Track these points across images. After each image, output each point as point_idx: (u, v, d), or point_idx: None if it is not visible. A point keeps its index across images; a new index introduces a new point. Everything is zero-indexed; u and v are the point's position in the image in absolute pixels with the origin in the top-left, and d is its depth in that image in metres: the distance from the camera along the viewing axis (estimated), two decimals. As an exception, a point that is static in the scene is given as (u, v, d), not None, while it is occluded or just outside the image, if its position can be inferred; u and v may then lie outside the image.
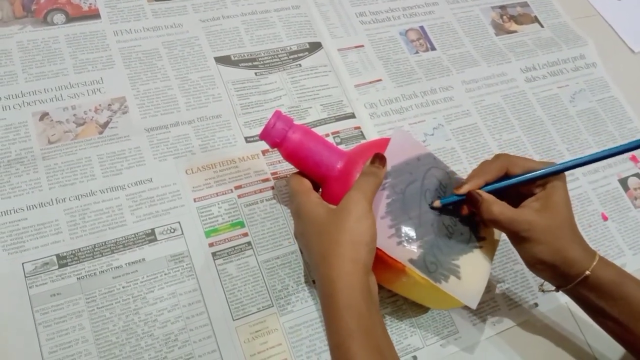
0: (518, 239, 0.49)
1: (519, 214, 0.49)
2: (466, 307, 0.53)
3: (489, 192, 0.51)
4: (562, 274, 0.49)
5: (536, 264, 0.50)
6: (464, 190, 0.51)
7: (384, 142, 0.53)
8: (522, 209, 0.50)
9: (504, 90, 0.78)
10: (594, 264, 0.48)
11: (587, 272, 0.48)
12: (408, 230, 0.49)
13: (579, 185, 0.72)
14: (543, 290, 0.54)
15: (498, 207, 0.49)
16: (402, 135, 0.54)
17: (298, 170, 0.55)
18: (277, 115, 0.52)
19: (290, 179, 0.55)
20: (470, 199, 0.50)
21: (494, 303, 0.61)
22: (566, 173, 0.51)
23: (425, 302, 0.56)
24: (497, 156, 0.52)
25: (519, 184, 0.51)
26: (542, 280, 0.53)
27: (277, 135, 0.52)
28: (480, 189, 0.51)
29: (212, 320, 0.53)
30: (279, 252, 0.58)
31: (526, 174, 0.50)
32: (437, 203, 0.51)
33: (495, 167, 0.51)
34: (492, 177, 0.51)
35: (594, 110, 0.80)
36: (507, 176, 0.51)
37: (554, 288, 0.52)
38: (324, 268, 0.45)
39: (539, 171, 0.50)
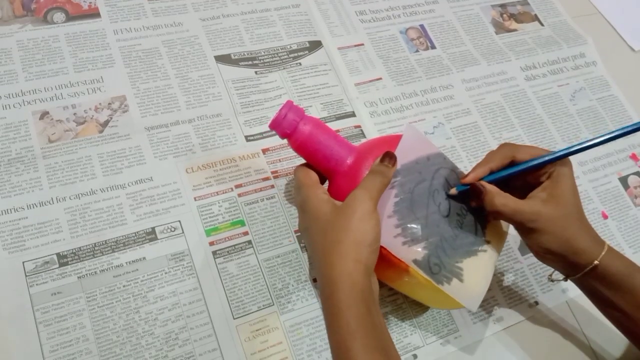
0: (524, 229, 0.49)
1: (524, 204, 0.49)
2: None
3: (495, 180, 0.51)
4: (570, 264, 0.49)
5: (544, 254, 0.50)
6: (468, 179, 0.51)
7: (395, 138, 0.52)
8: (527, 200, 0.50)
9: (504, 88, 0.78)
10: (603, 253, 0.48)
11: (596, 262, 0.48)
12: (414, 231, 0.49)
13: (580, 183, 0.72)
14: (552, 280, 0.54)
15: (500, 199, 0.49)
16: (413, 133, 0.53)
17: (305, 162, 0.54)
18: (289, 105, 0.51)
19: (297, 170, 0.53)
20: (474, 190, 0.50)
21: (494, 301, 0.61)
22: None
23: (426, 301, 0.55)
24: (502, 145, 0.53)
25: (525, 172, 0.51)
26: (550, 272, 0.53)
27: (287, 127, 0.51)
28: (485, 177, 0.51)
29: (212, 318, 0.53)
30: (280, 250, 0.58)
31: (531, 160, 0.50)
32: (454, 190, 0.52)
33: (500, 155, 0.52)
34: (497, 165, 0.51)
35: (594, 109, 0.80)
36: (513, 164, 0.51)
37: (562, 277, 0.52)
38: (326, 267, 0.45)
39: (544, 157, 0.50)
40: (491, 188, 0.50)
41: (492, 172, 0.51)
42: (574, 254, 0.48)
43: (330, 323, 0.44)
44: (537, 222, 0.48)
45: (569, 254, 0.48)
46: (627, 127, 0.49)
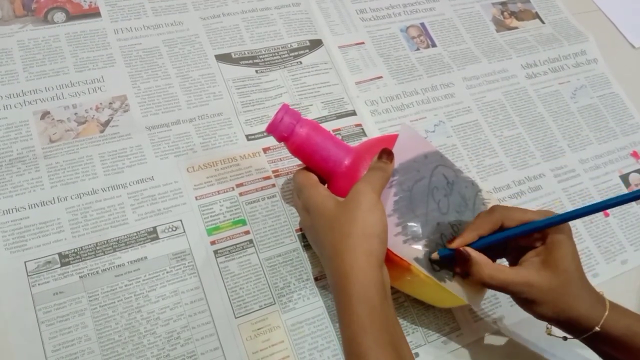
0: (518, 300, 0.47)
1: (516, 275, 0.46)
2: (468, 305, 0.53)
3: (484, 246, 0.48)
4: (570, 328, 0.47)
5: (542, 320, 0.48)
6: (454, 245, 0.48)
7: (392, 138, 0.52)
8: (520, 268, 0.47)
9: (504, 86, 0.78)
10: (605, 315, 0.45)
11: (597, 329, 0.45)
12: (414, 229, 0.49)
13: (580, 181, 0.72)
14: (550, 334, 0.51)
15: (488, 270, 0.46)
16: (409, 132, 0.53)
17: (304, 165, 0.55)
18: (285, 109, 0.52)
19: (296, 174, 0.54)
20: (460, 256, 0.47)
21: (495, 300, 0.61)
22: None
23: (429, 300, 0.56)
24: (493, 208, 0.50)
25: (517, 237, 0.48)
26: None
27: (284, 130, 0.51)
28: (473, 243, 0.48)
29: (214, 318, 0.53)
30: (281, 249, 0.58)
31: (521, 225, 0.47)
32: (435, 255, 0.48)
33: (490, 220, 0.48)
34: (486, 231, 0.48)
35: (595, 107, 0.80)
36: (502, 229, 0.48)
37: (562, 336, 0.50)
38: (337, 261, 0.45)
39: (532, 223, 0.47)
40: (479, 258, 0.47)
41: (480, 238, 0.48)
42: (572, 322, 0.46)
43: (342, 317, 0.44)
44: (530, 293, 0.46)
45: (568, 321, 0.46)
46: (622, 196, 0.45)
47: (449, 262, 0.49)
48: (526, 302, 0.47)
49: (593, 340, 0.47)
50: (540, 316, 0.47)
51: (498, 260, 0.50)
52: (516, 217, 0.48)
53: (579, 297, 0.46)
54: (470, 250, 0.47)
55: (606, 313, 0.46)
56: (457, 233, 0.51)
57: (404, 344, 0.43)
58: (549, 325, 0.51)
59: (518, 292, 0.46)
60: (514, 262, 0.50)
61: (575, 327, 0.47)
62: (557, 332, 0.50)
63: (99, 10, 0.69)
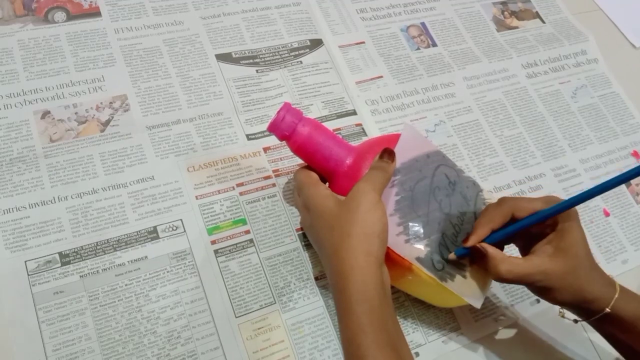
0: (534, 289, 0.48)
1: (531, 265, 0.47)
2: (468, 304, 0.53)
3: (497, 240, 0.49)
4: (582, 311, 0.48)
5: (557, 304, 0.49)
6: (470, 243, 0.48)
7: (393, 137, 0.52)
8: (533, 258, 0.48)
9: (505, 86, 0.78)
10: (615, 297, 0.47)
11: (607, 310, 0.46)
12: (416, 229, 0.49)
13: (581, 181, 0.72)
14: (563, 316, 0.53)
15: (505, 266, 0.46)
16: (411, 131, 0.53)
17: (304, 164, 0.55)
18: (287, 107, 0.52)
19: (297, 172, 0.54)
20: (478, 253, 0.48)
21: (496, 299, 0.61)
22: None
23: (430, 299, 0.55)
24: (501, 200, 0.50)
25: (528, 227, 0.48)
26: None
27: (286, 129, 0.51)
28: (487, 238, 0.49)
29: (214, 317, 0.53)
30: (281, 249, 0.58)
31: (532, 215, 0.48)
32: (452, 255, 0.49)
33: (500, 213, 0.49)
34: (498, 224, 0.49)
35: (595, 106, 0.80)
36: (513, 220, 0.49)
37: (573, 318, 0.51)
38: (336, 262, 0.45)
39: (544, 211, 0.47)
40: (494, 253, 0.47)
41: (493, 232, 0.49)
42: (585, 303, 0.47)
43: (342, 318, 0.44)
44: (547, 281, 0.46)
45: (581, 303, 0.47)
46: (629, 171, 0.44)
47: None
48: (543, 290, 0.47)
49: (602, 322, 0.48)
50: (557, 302, 0.48)
51: (506, 247, 0.52)
52: (525, 207, 0.49)
53: (591, 279, 0.47)
54: (486, 246, 0.48)
55: (616, 295, 0.47)
56: (458, 233, 0.51)
57: (403, 344, 0.44)
58: (562, 310, 0.52)
59: (535, 281, 0.47)
60: (524, 248, 0.51)
61: (587, 309, 0.47)
62: (569, 315, 0.51)
63: (99, 9, 0.69)
